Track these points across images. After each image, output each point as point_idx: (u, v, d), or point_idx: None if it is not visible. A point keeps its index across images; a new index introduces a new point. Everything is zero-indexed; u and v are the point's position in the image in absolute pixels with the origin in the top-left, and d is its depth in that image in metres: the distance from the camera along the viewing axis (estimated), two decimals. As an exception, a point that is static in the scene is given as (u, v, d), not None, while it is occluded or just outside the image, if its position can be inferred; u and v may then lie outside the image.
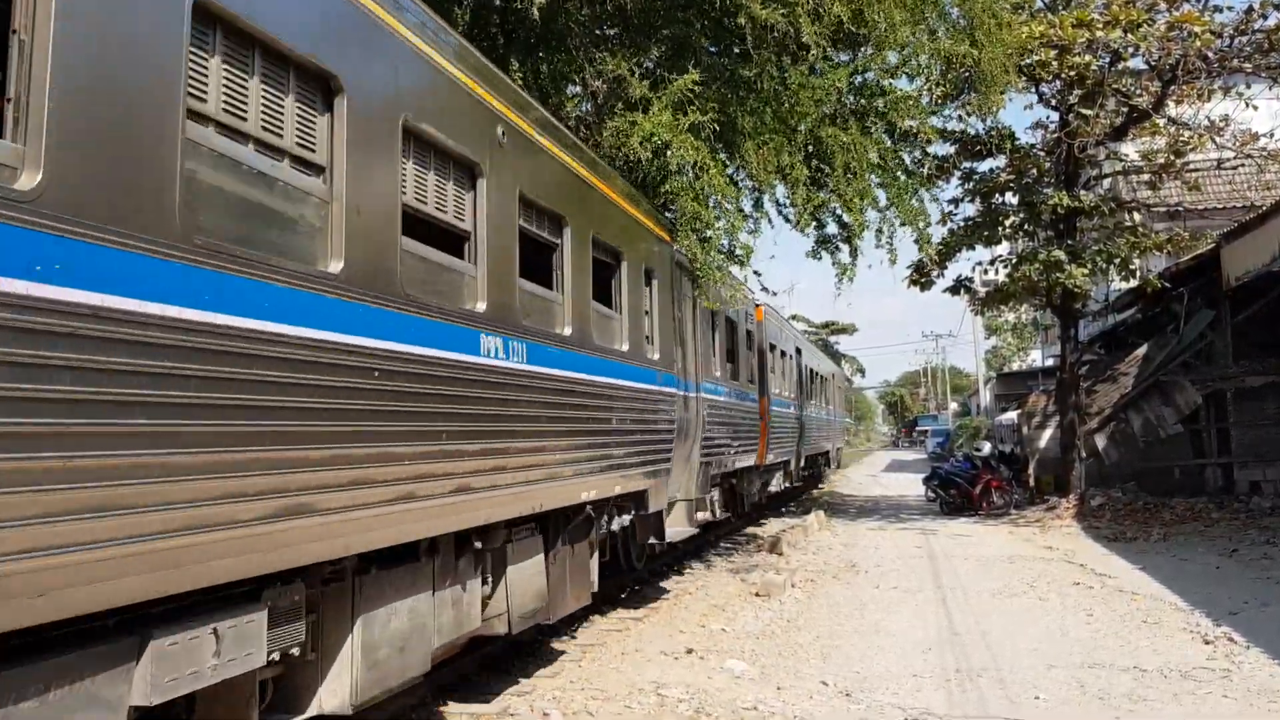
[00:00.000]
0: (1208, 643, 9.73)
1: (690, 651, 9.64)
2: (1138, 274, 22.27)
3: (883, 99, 13.43)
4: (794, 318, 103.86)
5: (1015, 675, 8.61)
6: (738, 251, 12.49)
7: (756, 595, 12.81)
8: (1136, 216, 23.04)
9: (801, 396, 25.66)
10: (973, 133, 21.83)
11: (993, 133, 21.60)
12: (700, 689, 8.14)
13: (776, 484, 22.44)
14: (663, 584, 14.04)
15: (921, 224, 14.18)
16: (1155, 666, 8.83)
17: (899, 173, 13.80)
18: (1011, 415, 34.28)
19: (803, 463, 26.36)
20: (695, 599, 12.77)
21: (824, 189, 13.33)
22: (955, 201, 23.25)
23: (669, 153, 11.24)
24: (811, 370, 28.64)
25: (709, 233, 11.72)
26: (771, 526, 22.11)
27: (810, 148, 12.79)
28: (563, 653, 9.70)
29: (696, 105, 11.47)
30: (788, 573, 14.00)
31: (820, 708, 7.72)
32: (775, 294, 32.80)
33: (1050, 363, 43.92)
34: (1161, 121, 21.65)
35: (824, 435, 32.47)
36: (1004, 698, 7.93)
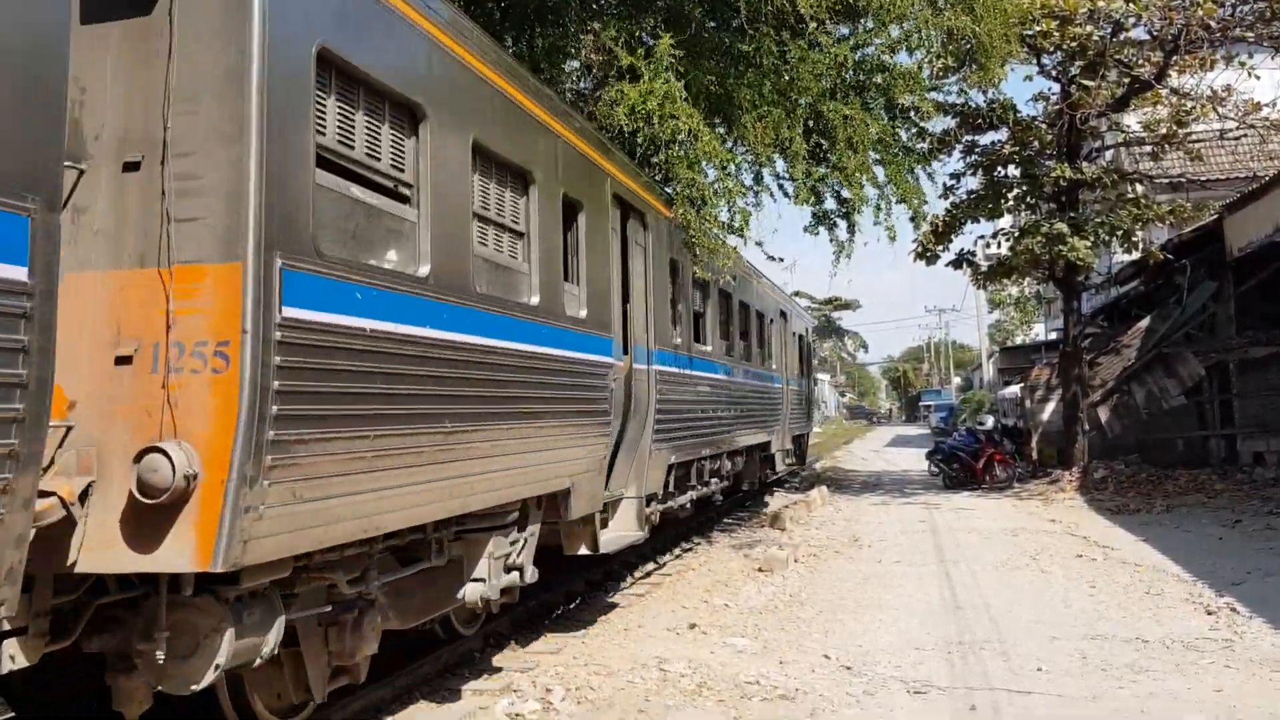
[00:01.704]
0: (1210, 613, 9.73)
1: (693, 627, 9.64)
2: (1140, 246, 22.16)
3: (883, 74, 13.33)
4: (797, 294, 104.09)
5: (1018, 647, 8.62)
6: (735, 220, 12.37)
7: (759, 571, 12.82)
8: (1139, 188, 22.92)
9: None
10: (974, 105, 21.70)
11: (994, 105, 21.48)
12: (703, 664, 8.15)
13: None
14: (665, 560, 14.07)
15: (918, 201, 14.10)
16: (1158, 637, 8.83)
17: (897, 149, 13.71)
18: (1015, 389, 34.27)
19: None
20: (698, 575, 12.78)
21: (823, 164, 13.25)
22: (957, 175, 23.15)
23: (657, 122, 11.10)
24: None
25: (704, 201, 11.61)
26: (774, 502, 22.12)
27: (810, 122, 12.70)
28: (565, 629, 9.72)
29: (683, 70, 11.36)
30: (790, 548, 14.01)
31: (822, 681, 7.73)
32: (780, 259, 32.54)
33: (1053, 336, 43.89)
34: (1164, 92, 21.50)
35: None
36: (1006, 669, 7.93)
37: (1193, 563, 12.47)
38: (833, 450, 46.65)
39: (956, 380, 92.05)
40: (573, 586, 11.54)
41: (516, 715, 6.81)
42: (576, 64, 13.42)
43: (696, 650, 8.71)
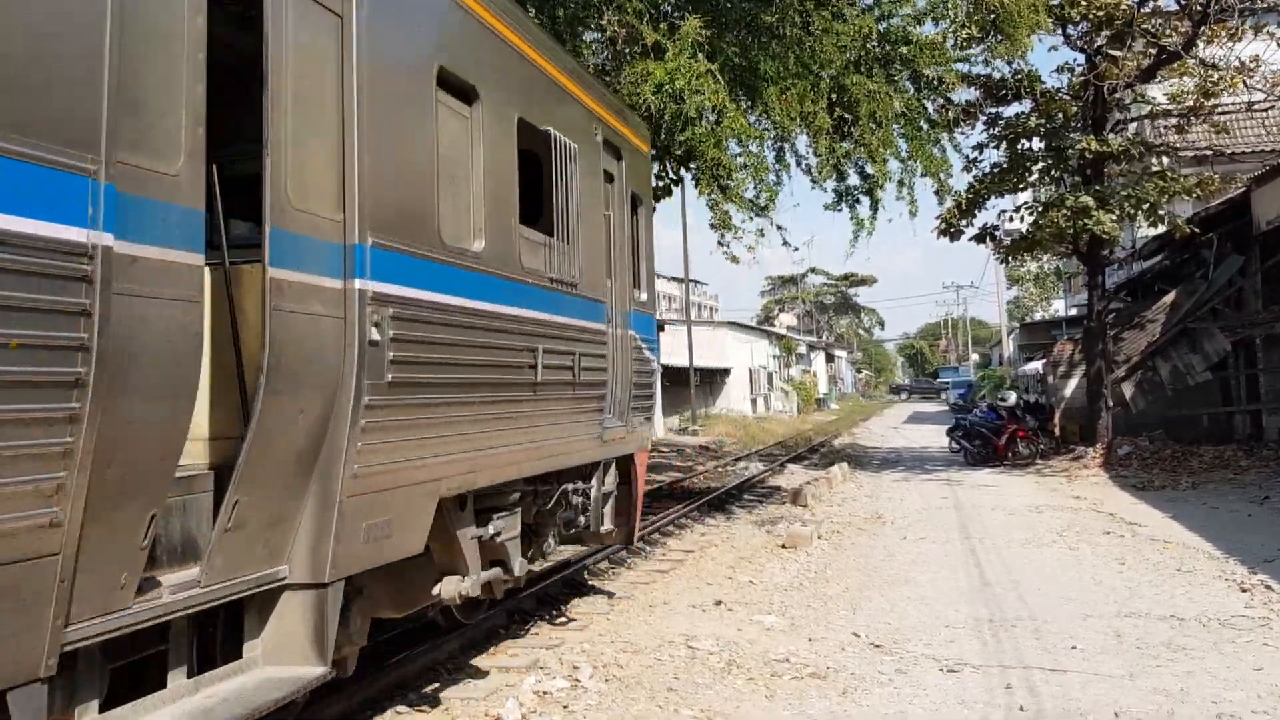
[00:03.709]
0: (1244, 590, 9.57)
1: (719, 604, 9.55)
2: (1166, 220, 21.84)
3: (908, 45, 13.09)
4: (812, 270, 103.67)
5: (1050, 625, 8.48)
6: (761, 198, 12.18)
7: (783, 547, 12.71)
8: (1165, 161, 22.59)
9: None
10: (998, 77, 21.40)
11: (1018, 76, 21.17)
12: (731, 641, 8.05)
13: None
14: (687, 537, 13.97)
15: (943, 174, 13.88)
16: (1192, 615, 8.68)
17: (922, 122, 13.46)
18: (1036, 365, 34.03)
19: None
20: (721, 551, 12.68)
21: (847, 139, 13.03)
22: (980, 147, 22.88)
23: (684, 99, 10.96)
24: None
25: (731, 180, 11.45)
26: (795, 478, 22.01)
27: (834, 96, 12.49)
28: (590, 606, 9.63)
29: (709, 48, 11.18)
30: (814, 524, 13.89)
31: (853, 659, 7.61)
32: (796, 248, 32.17)
33: (1074, 312, 43.53)
34: (1191, 62, 21.14)
35: None
36: (1040, 648, 7.80)
37: (1222, 540, 12.30)
38: (850, 427, 46.52)
39: (974, 357, 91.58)
40: (595, 562, 11.46)
41: (544, 693, 6.72)
42: (597, 36, 13.17)
43: (724, 627, 8.60)
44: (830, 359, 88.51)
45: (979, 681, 7.01)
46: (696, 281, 48.13)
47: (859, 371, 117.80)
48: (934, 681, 7.04)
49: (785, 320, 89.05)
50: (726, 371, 51.25)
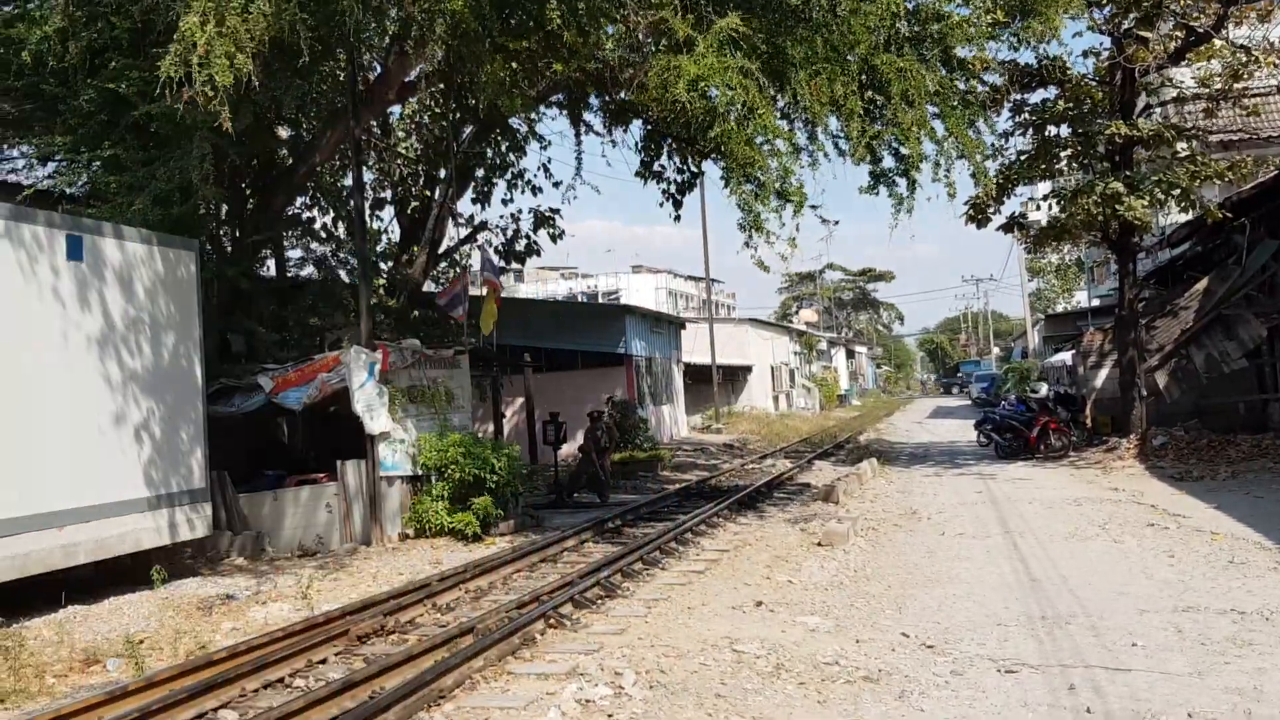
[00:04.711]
0: (1304, 581, 9.24)
1: (759, 604, 9.27)
2: (1197, 204, 21.38)
3: (939, 23, 12.77)
4: (830, 266, 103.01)
5: (1106, 621, 8.17)
6: (791, 196, 11.85)
7: (819, 545, 12.42)
8: (1195, 145, 22.11)
9: None
10: (1023, 63, 21.02)
11: (1044, 61, 20.78)
12: (776, 644, 7.76)
13: None
14: (720, 536, 13.69)
15: (979, 156, 13.53)
16: (1254, 609, 8.34)
17: (956, 102, 13.12)
18: (1063, 356, 33.57)
19: None
20: (756, 550, 12.40)
21: (878, 121, 12.71)
22: (1005, 135, 22.47)
23: (717, 95, 10.70)
24: None
25: (761, 177, 11.15)
26: (824, 475, 21.71)
27: (864, 78, 12.19)
28: (627, 609, 9.37)
29: (742, 46, 10.89)
30: (849, 521, 13.58)
31: (905, 660, 7.32)
32: (836, 222, 31.60)
33: (1097, 303, 42.99)
34: (1219, 43, 20.69)
35: None
36: (1099, 645, 7.48)
37: (1272, 530, 11.92)
38: (874, 423, 46.10)
39: (996, 350, 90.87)
40: (629, 563, 11.21)
41: (587, 701, 6.45)
42: (614, 29, 12.87)
43: (767, 629, 8.32)
44: (851, 355, 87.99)
45: (1040, 682, 6.70)
46: (716, 280, 47.61)
47: (879, 367, 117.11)
48: (993, 683, 6.74)
49: (805, 316, 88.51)
50: (748, 369, 50.91)
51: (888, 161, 13.70)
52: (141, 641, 8.80)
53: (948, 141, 12.98)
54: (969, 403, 64.87)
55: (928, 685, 6.71)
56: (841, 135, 13.34)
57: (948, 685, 6.71)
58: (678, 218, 21.40)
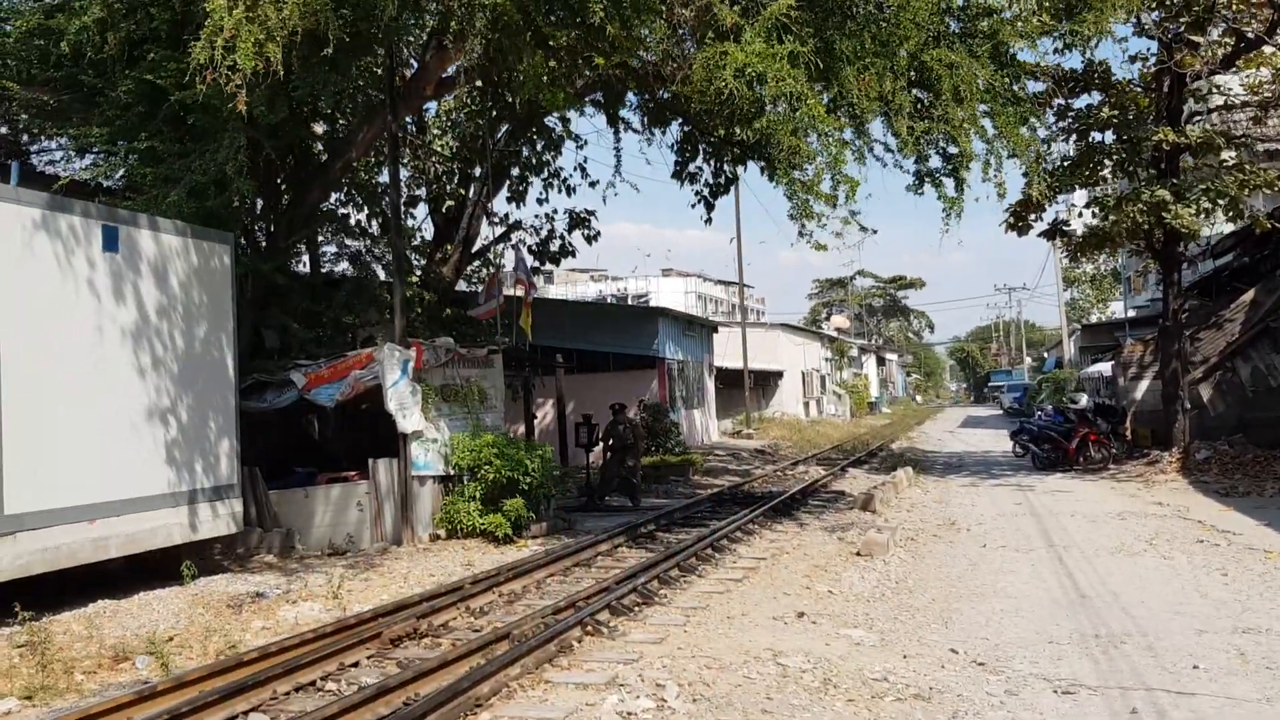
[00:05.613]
0: (1368, 605, 8.89)
1: (801, 615, 9.01)
2: (1246, 213, 20.93)
3: (989, 18, 12.47)
4: (860, 273, 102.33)
5: (1163, 642, 7.86)
6: (839, 191, 11.56)
7: (858, 555, 12.15)
8: (1243, 153, 21.65)
9: None
10: (1067, 68, 20.63)
11: (1089, 66, 20.39)
12: (821, 657, 7.51)
13: None
14: (756, 544, 13.43)
15: (1031, 155, 13.20)
16: (1318, 632, 8.03)
17: (1007, 98, 12.79)
18: (1101, 367, 33.05)
19: None
20: (794, 559, 12.13)
21: (926, 118, 12.41)
22: (1048, 141, 22.07)
23: (764, 85, 10.46)
24: None
25: (809, 168, 10.90)
26: (858, 483, 21.40)
27: (913, 74, 11.90)
28: (664, 617, 9.13)
29: (793, 32, 10.66)
30: (888, 531, 13.29)
31: (956, 678, 7.05)
32: (875, 231, 31.13)
33: (1134, 314, 42.35)
34: (1269, 50, 20.22)
35: None
36: (1158, 667, 7.19)
37: (1328, 548, 11.57)
38: (905, 431, 45.68)
39: (1028, 360, 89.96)
40: (665, 570, 10.99)
41: (629, 714, 6.23)
42: (659, 22, 12.64)
43: (810, 642, 8.07)
44: (881, 362, 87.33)
45: (1099, 705, 6.42)
46: (748, 286, 47.14)
47: (909, 375, 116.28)
48: (1049, 704, 6.46)
49: (837, 322, 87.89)
50: (779, 374, 50.55)
51: (934, 161, 13.41)
52: (171, 639, 8.67)
53: (998, 141, 12.65)
54: (1000, 412, 64.21)
55: (982, 705, 6.44)
56: (888, 134, 13.05)
57: (1003, 705, 6.44)
58: (709, 220, 21.28)
